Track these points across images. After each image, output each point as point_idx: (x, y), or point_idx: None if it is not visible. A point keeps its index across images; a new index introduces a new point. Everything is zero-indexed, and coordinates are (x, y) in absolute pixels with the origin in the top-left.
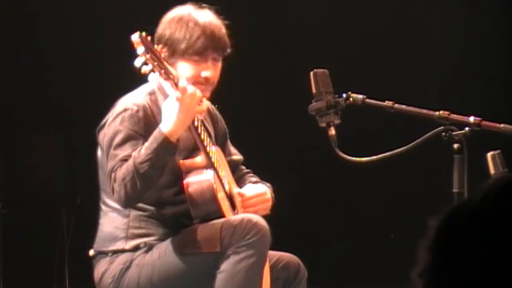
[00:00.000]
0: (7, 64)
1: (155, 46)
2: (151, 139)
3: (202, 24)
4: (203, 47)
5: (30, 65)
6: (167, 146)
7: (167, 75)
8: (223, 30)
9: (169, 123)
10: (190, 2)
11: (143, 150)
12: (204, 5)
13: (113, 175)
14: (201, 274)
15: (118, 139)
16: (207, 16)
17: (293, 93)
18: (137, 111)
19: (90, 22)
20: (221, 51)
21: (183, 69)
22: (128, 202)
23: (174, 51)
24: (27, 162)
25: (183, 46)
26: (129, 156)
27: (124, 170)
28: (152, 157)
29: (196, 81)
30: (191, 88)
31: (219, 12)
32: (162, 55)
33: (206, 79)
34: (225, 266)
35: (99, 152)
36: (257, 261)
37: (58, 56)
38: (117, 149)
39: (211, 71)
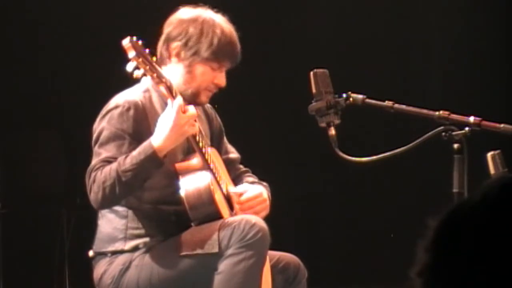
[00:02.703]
0: (7, 64)
1: (172, 44)
2: (139, 149)
3: (228, 33)
4: (225, 57)
5: (30, 65)
6: (154, 160)
7: (159, 79)
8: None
9: (160, 137)
10: (189, 3)
11: (129, 159)
12: (214, 9)
13: (93, 174)
14: (200, 275)
15: (103, 137)
16: (228, 25)
17: (293, 93)
18: (128, 108)
19: (90, 21)
20: (235, 63)
21: (200, 72)
22: (103, 205)
23: (196, 53)
24: (27, 162)
25: (207, 51)
26: (112, 158)
27: (106, 173)
28: (136, 167)
29: (207, 87)
30: (190, 110)
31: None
32: (174, 51)
33: (216, 86)
34: (224, 267)
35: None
36: (256, 262)
37: (58, 56)
38: (101, 148)
39: (223, 79)
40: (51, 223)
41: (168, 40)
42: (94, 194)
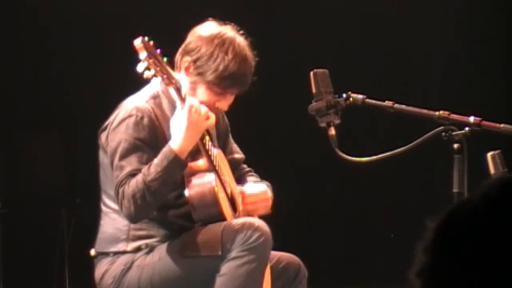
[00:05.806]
0: (8, 64)
1: (185, 57)
2: (160, 155)
3: (240, 61)
4: (230, 85)
5: (30, 65)
6: (177, 163)
7: (170, 80)
8: (253, 68)
9: (178, 139)
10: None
11: (153, 168)
12: (241, 31)
13: (120, 190)
14: (201, 277)
15: (123, 149)
16: (246, 52)
17: (293, 93)
18: (142, 117)
19: (91, 22)
20: (243, 90)
21: (201, 93)
22: (138, 218)
23: (200, 74)
24: (27, 162)
25: (211, 76)
26: (136, 170)
27: (133, 187)
28: (162, 174)
29: (208, 107)
30: (197, 105)
31: (252, 44)
32: (184, 64)
33: (218, 108)
34: (226, 270)
35: (100, 153)
36: (259, 266)
37: (58, 56)
38: (122, 160)
39: (226, 103)
40: (51, 223)
41: (183, 52)
42: (126, 209)
